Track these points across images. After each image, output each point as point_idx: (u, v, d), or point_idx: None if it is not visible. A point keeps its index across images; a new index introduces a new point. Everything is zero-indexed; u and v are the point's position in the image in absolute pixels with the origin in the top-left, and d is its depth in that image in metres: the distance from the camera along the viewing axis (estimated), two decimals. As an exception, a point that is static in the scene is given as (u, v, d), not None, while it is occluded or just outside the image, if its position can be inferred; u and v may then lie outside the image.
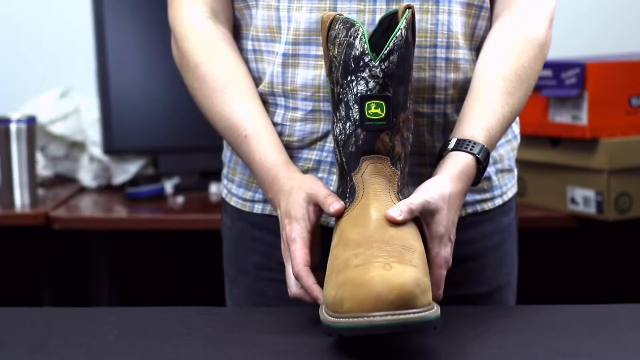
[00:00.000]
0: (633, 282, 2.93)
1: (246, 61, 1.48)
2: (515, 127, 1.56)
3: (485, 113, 1.38)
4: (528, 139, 2.37)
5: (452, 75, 1.44)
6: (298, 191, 1.33)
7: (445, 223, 1.28)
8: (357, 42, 1.28)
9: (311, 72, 1.43)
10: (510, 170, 1.56)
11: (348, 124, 1.29)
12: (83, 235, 2.83)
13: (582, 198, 2.43)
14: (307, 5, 1.42)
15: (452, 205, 1.30)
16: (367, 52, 1.27)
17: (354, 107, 1.29)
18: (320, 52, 1.42)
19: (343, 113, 1.30)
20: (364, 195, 1.28)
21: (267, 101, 1.47)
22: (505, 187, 1.55)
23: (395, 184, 1.28)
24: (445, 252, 1.28)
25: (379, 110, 1.27)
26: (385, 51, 1.27)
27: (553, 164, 2.48)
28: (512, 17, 1.45)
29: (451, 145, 1.36)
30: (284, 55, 1.44)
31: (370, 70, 1.27)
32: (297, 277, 1.29)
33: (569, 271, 3.04)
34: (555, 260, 3.03)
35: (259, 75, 1.48)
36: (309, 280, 1.27)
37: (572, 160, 2.44)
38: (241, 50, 1.49)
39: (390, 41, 1.27)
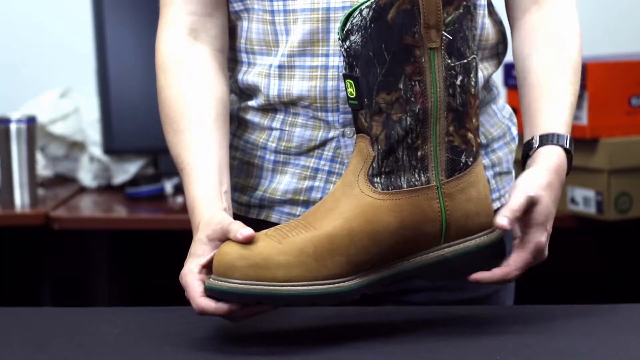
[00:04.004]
0: (633, 282, 2.93)
1: (239, 72, 1.47)
2: (514, 129, 1.55)
3: (556, 106, 1.40)
4: (528, 139, 2.36)
5: None
6: (203, 228, 1.31)
7: (546, 212, 1.31)
8: None
9: (306, 84, 1.41)
10: (508, 173, 1.55)
11: None
12: (83, 235, 2.83)
13: (582, 198, 2.43)
14: (301, 16, 1.40)
15: (549, 196, 1.32)
16: (338, 32, 1.27)
17: None
18: (315, 63, 1.41)
19: None
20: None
21: (266, 109, 1.46)
22: (504, 189, 1.54)
23: (369, 165, 1.27)
24: (537, 238, 1.31)
25: (352, 90, 1.28)
26: (344, 31, 1.26)
27: (553, 164, 2.48)
28: (546, 11, 1.46)
29: (536, 143, 1.37)
30: (280, 67, 1.42)
31: (342, 50, 1.28)
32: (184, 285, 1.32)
33: (569, 271, 3.04)
34: (554, 260, 3.02)
35: (254, 87, 1.46)
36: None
37: (572, 160, 2.44)
38: (234, 61, 1.48)
39: (348, 21, 1.26)
